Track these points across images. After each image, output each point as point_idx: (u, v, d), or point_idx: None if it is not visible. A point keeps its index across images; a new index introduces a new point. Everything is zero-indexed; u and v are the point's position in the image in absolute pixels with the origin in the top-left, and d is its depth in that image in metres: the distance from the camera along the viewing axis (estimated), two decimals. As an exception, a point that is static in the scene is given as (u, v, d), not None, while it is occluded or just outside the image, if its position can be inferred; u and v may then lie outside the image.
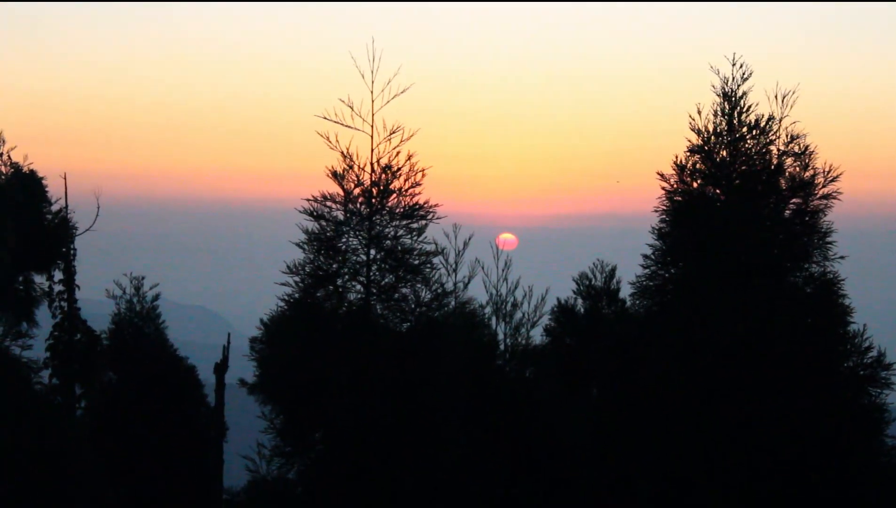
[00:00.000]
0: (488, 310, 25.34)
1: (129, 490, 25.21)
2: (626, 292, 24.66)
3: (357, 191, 23.85)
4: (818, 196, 23.03)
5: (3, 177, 25.83)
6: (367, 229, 23.82)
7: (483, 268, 25.29)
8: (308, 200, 23.77)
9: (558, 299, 25.21)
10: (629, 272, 23.98)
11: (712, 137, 23.25)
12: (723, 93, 23.20)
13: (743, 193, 23.08)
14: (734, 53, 23.24)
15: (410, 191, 23.91)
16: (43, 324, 26.11)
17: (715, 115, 23.21)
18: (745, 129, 23.18)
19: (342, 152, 23.67)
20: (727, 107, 23.18)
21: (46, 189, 26.48)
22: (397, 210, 23.97)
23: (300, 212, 23.84)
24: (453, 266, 24.87)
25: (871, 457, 22.84)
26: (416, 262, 23.99)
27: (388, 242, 23.91)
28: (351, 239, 23.91)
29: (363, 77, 23.53)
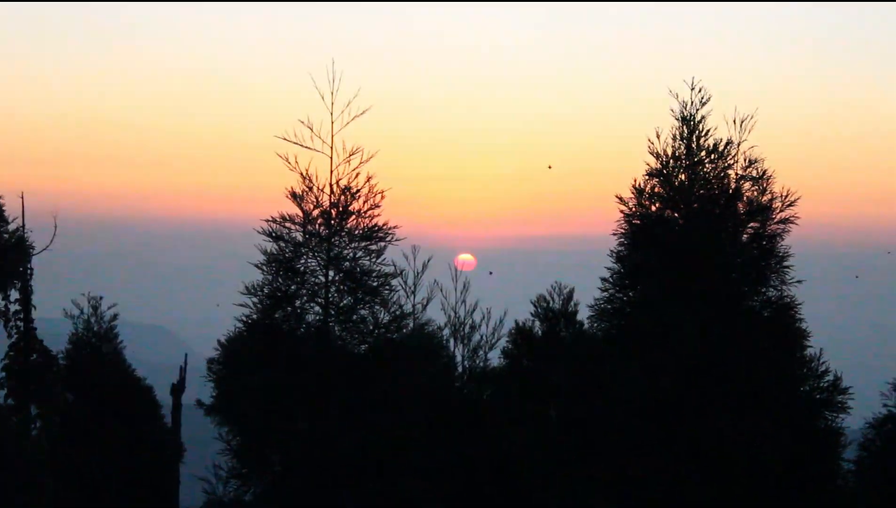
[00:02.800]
0: (447, 332, 25.37)
1: None
2: (584, 314, 24.41)
3: (316, 212, 23.52)
4: (776, 220, 23.10)
5: None
6: (326, 250, 23.50)
7: (442, 290, 25.29)
8: (267, 220, 23.40)
9: (516, 322, 24.97)
10: (587, 295, 23.92)
11: (671, 161, 23.26)
12: (682, 117, 23.24)
13: (701, 216, 23.08)
14: (693, 78, 23.23)
15: (370, 212, 23.61)
16: None
17: (674, 138, 23.26)
18: (703, 153, 23.23)
19: (301, 173, 23.34)
20: (686, 131, 23.24)
21: (3, 208, 26.02)
22: (356, 232, 23.63)
23: (259, 233, 23.44)
24: (412, 288, 24.91)
25: (827, 479, 22.80)
26: (375, 284, 23.70)
27: (347, 263, 23.61)
28: (310, 260, 23.59)
29: (323, 98, 23.31)
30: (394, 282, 24.00)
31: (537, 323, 25.00)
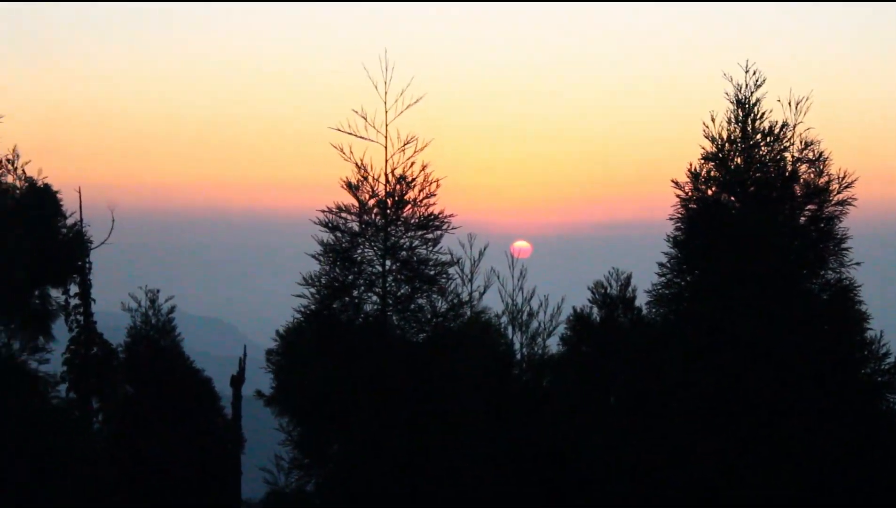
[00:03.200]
0: (504, 320, 25.10)
1: (148, 503, 25.21)
2: (641, 300, 24.21)
3: (372, 202, 23.57)
4: (833, 202, 22.68)
5: (18, 191, 25.98)
6: (383, 239, 23.50)
7: (499, 277, 25.06)
8: (323, 211, 23.46)
9: (574, 308, 24.76)
10: (645, 281, 23.67)
11: (726, 145, 22.86)
12: (736, 100, 22.78)
13: (758, 200, 22.72)
14: (747, 60, 22.86)
15: (425, 201, 23.59)
16: (59, 338, 25.97)
17: (729, 122, 22.78)
18: (758, 136, 22.77)
19: (356, 163, 23.37)
20: (741, 114, 22.82)
21: (61, 203, 26.43)
22: (412, 221, 23.61)
23: (315, 223, 23.50)
24: (469, 276, 24.71)
25: (890, 463, 22.41)
26: (432, 272, 23.66)
27: (404, 252, 23.56)
28: (366, 250, 23.60)
29: (376, 88, 23.23)
30: (451, 270, 23.90)
31: (595, 310, 24.78)
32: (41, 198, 26.12)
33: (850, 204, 22.67)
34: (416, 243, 23.68)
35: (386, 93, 23.20)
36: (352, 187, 23.53)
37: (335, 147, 23.32)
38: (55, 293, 26.22)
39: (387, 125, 23.28)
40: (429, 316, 23.77)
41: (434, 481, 23.10)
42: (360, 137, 23.21)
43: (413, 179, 23.57)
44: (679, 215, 23.13)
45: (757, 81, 22.76)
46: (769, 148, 22.87)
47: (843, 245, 22.65)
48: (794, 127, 22.85)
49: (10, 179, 25.96)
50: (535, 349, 24.94)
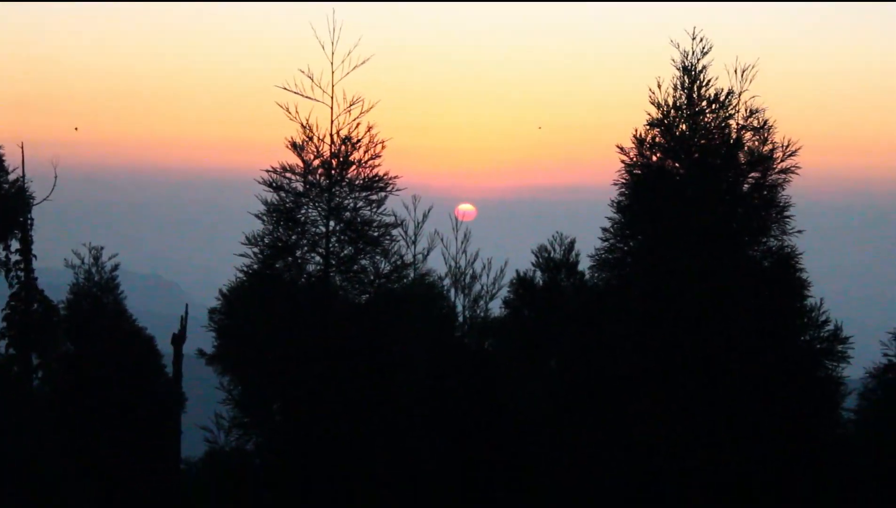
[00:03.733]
0: (447, 282, 25.57)
1: (87, 459, 24.60)
2: (584, 264, 24.24)
3: (316, 162, 23.70)
4: (776, 170, 22.89)
5: None
6: (327, 200, 23.64)
7: (442, 240, 25.52)
8: (268, 171, 23.58)
9: (517, 272, 25.01)
10: (588, 245, 23.75)
11: (672, 111, 23.05)
12: (683, 67, 22.98)
13: (702, 166, 22.81)
14: (694, 27, 22.87)
15: (370, 163, 23.77)
16: None
17: (675, 89, 23.04)
18: (704, 103, 23.00)
19: (302, 124, 23.54)
20: (687, 81, 23.04)
21: (3, 158, 25.96)
22: (357, 182, 23.78)
23: (259, 183, 23.47)
24: (413, 238, 25.13)
25: (827, 428, 22.67)
26: (376, 234, 23.88)
27: (348, 213, 23.78)
28: (310, 211, 23.76)
29: (323, 48, 23.53)
30: (394, 232, 24.01)
31: (538, 273, 24.95)
32: None
33: (793, 172, 22.91)
34: (361, 204, 23.86)
35: (333, 53, 23.56)
36: (296, 147, 23.65)
37: (281, 106, 23.65)
38: None
39: (332, 85, 23.62)
40: (372, 277, 23.81)
41: (374, 441, 22.90)
42: (307, 96, 23.53)
43: (358, 141, 23.76)
44: (623, 181, 23.35)
45: (703, 48, 22.98)
46: (714, 115, 23.07)
47: (786, 213, 22.77)
48: (740, 95, 23.07)
49: None
50: (478, 311, 25.16)
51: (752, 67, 23.13)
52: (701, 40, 23.09)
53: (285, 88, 23.25)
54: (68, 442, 24.93)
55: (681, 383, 22.45)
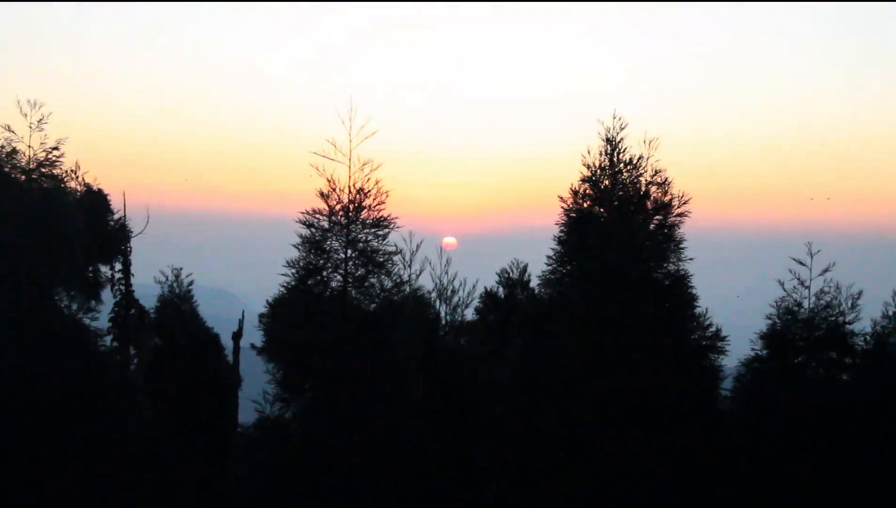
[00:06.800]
0: (434, 295, 26.04)
1: (169, 423, 25.48)
2: (535, 282, 25.07)
3: (338, 207, 23.99)
4: (674, 215, 23.46)
5: (78, 194, 25.58)
6: (346, 235, 23.91)
7: (430, 264, 26.04)
8: (303, 213, 23.98)
9: (485, 288, 26.06)
10: (537, 268, 24.45)
11: (598, 171, 23.44)
12: (606, 138, 23.41)
13: (619, 211, 23.38)
14: (615, 109, 23.62)
15: (377, 207, 24.13)
16: (107, 302, 26.11)
17: (600, 154, 23.40)
18: (621, 165, 23.37)
19: (327, 179, 23.86)
20: (609, 149, 23.39)
21: (110, 202, 26.51)
22: (368, 221, 24.06)
23: (297, 222, 24.09)
24: (408, 262, 25.48)
25: (710, 404, 23.48)
26: (381, 259, 24.14)
27: (361, 244, 24.00)
28: (333, 242, 23.99)
29: (343, 123, 23.64)
30: (395, 258, 24.47)
31: (501, 289, 26.16)
32: (95, 199, 26.10)
33: (686, 215, 23.45)
34: (370, 237, 24.10)
35: (350, 127, 23.56)
36: (324, 196, 23.98)
37: (313, 166, 23.84)
38: (104, 269, 26.27)
39: (350, 151, 23.68)
40: (378, 291, 24.24)
41: (380, 409, 23.66)
42: (331, 158, 23.67)
43: (369, 191, 24.04)
44: (563, 221, 23.65)
45: (621, 124, 23.38)
46: (629, 174, 23.39)
47: (681, 246, 23.30)
48: (647, 159, 23.30)
49: (73, 184, 25.56)
50: (456, 316, 26.06)
51: (657, 139, 23.50)
52: (619, 119, 23.43)
53: (316, 153, 23.60)
54: (157, 411, 25.53)
55: (604, 369, 22.80)
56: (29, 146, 24.32)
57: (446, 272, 26.23)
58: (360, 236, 24.17)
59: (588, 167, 23.59)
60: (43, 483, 23.12)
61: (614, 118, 23.41)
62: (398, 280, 24.67)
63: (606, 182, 23.55)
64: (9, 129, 24.08)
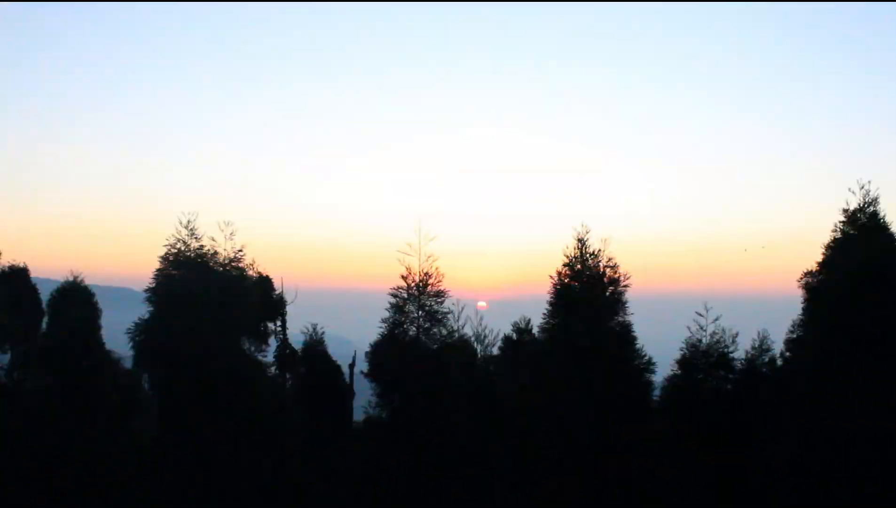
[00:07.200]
0: (473, 338, 29.90)
1: (311, 422, 29.60)
2: (535, 330, 29.36)
3: (412, 283, 28.73)
4: (622, 285, 28.43)
5: (254, 279, 29.82)
6: (418, 301, 28.65)
7: (470, 319, 29.96)
8: (392, 289, 28.69)
9: (505, 335, 30.06)
10: (537, 319, 28.45)
11: (574, 260, 28.50)
12: (578, 239, 28.59)
13: (587, 284, 28.24)
14: (582, 222, 28.15)
15: (436, 284, 28.88)
16: (271, 345, 29.98)
17: (576, 249, 28.53)
18: (588, 257, 28.52)
19: (406, 267, 28.75)
20: (581, 247, 28.61)
21: (272, 283, 30.87)
22: (431, 293, 28.69)
23: (388, 294, 28.62)
24: (457, 318, 29.54)
25: (646, 404, 28.25)
26: (439, 317, 28.85)
27: (427, 307, 28.68)
28: (410, 306, 28.74)
29: (417, 234, 28.67)
30: (448, 315, 28.94)
31: (514, 335, 30.02)
32: (263, 281, 30.47)
33: (628, 285, 28.39)
34: (432, 302, 28.80)
35: (420, 235, 28.64)
36: (404, 278, 28.86)
37: (399, 261, 28.83)
38: (270, 325, 30.20)
39: (420, 249, 28.65)
40: (438, 337, 28.74)
41: (438, 417, 27.83)
42: (408, 254, 28.59)
43: (431, 274, 28.75)
44: (553, 292, 28.31)
45: (587, 231, 28.37)
46: (593, 262, 28.48)
47: (627, 305, 28.30)
48: (603, 250, 27.96)
49: (251, 272, 29.57)
50: (487, 352, 30.00)
51: (609, 237, 28.18)
52: (588, 231, 28.31)
53: (399, 251, 28.58)
54: (304, 416, 29.57)
55: (576, 386, 27.31)
56: (224, 249, 29.04)
57: (480, 323, 30.03)
58: (426, 302, 28.67)
59: (568, 257, 28.71)
60: (236, 463, 27.28)
61: (582, 226, 28.49)
62: (451, 330, 28.93)
63: (579, 266, 28.57)
64: (212, 239, 28.99)
